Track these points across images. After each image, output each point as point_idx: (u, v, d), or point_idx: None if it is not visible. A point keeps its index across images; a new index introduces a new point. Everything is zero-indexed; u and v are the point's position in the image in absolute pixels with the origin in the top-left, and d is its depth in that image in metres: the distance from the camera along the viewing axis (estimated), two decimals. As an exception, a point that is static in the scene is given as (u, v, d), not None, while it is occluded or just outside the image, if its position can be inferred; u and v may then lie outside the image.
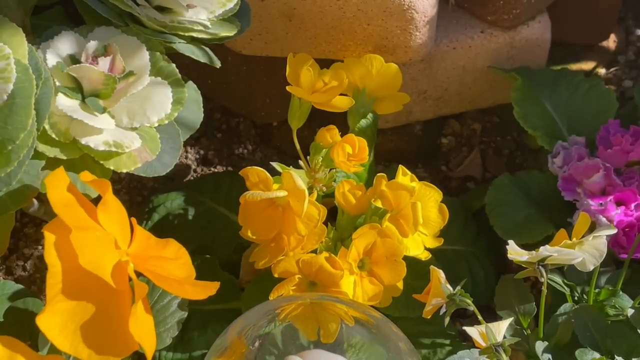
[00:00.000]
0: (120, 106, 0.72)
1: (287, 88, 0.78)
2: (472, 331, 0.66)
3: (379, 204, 0.74)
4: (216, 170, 1.00)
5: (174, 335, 0.72)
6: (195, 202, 0.90)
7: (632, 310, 0.73)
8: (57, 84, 0.70)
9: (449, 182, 1.01)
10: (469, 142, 1.03)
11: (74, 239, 0.53)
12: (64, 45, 0.72)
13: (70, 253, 0.53)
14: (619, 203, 0.82)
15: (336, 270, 0.71)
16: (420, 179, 0.81)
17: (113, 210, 0.57)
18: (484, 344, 0.65)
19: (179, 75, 0.75)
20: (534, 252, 0.68)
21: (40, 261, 0.91)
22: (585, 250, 0.68)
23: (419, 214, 0.74)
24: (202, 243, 0.87)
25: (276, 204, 0.73)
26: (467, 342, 0.79)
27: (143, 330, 0.55)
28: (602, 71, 1.09)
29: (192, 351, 0.80)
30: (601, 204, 0.81)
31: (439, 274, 0.68)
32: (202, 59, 0.76)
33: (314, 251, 0.73)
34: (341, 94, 0.80)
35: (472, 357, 0.73)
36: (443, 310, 0.67)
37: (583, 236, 0.70)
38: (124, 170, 0.71)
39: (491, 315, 0.79)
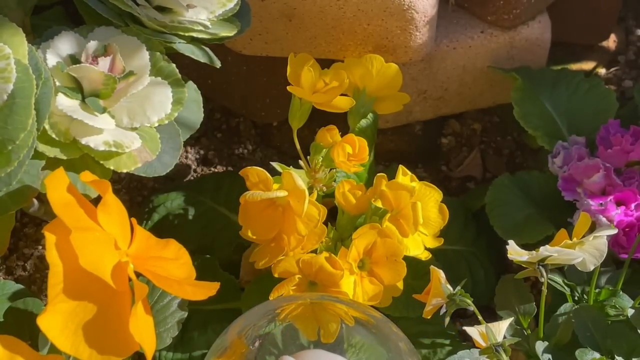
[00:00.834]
0: (120, 106, 0.72)
1: (288, 88, 0.78)
2: (472, 331, 0.66)
3: (379, 204, 0.74)
4: (216, 170, 1.00)
5: (174, 335, 0.72)
6: (195, 202, 0.90)
7: (633, 310, 0.73)
8: (57, 84, 0.70)
9: (449, 182, 1.01)
10: (469, 142, 1.03)
11: (73, 240, 0.53)
12: (64, 45, 0.72)
13: (71, 253, 0.53)
14: (619, 203, 0.82)
15: (336, 270, 0.71)
16: (421, 179, 0.81)
17: (113, 210, 0.57)
18: (484, 344, 0.65)
19: (179, 75, 0.75)
20: (534, 252, 0.68)
21: (41, 261, 0.91)
22: (586, 250, 0.68)
23: (419, 214, 0.74)
24: (202, 243, 0.87)
25: (276, 204, 0.73)
26: (467, 342, 0.79)
27: (143, 330, 0.55)
28: (602, 71, 1.09)
29: (192, 351, 0.80)
30: (601, 204, 0.81)
31: (439, 274, 0.68)
32: (202, 59, 0.76)
33: (314, 251, 0.73)
34: (341, 94, 0.80)
35: (472, 357, 0.73)
36: (443, 310, 0.67)
37: (583, 236, 0.70)
38: (124, 170, 0.71)
39: (491, 315, 0.79)
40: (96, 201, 0.58)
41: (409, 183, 0.75)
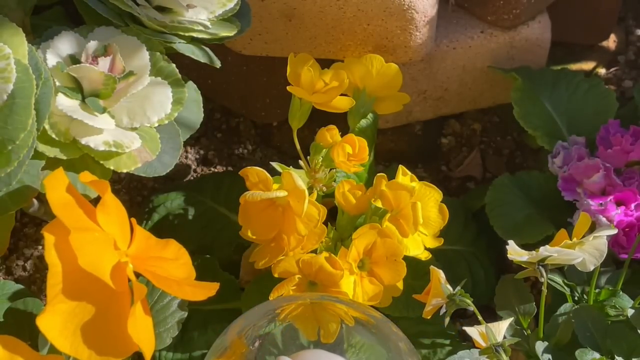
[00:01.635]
0: (120, 106, 0.72)
1: (288, 88, 0.78)
2: (472, 331, 0.66)
3: (379, 204, 0.74)
4: (216, 170, 1.00)
5: (174, 335, 0.72)
6: (195, 202, 0.90)
7: (632, 311, 0.73)
8: (57, 84, 0.70)
9: (449, 182, 1.01)
10: (469, 142, 1.03)
11: (73, 240, 0.53)
12: (64, 45, 0.72)
13: (71, 254, 0.53)
14: (619, 203, 0.82)
15: (336, 270, 0.71)
16: (420, 179, 0.81)
17: (112, 210, 0.57)
18: (484, 344, 0.65)
19: (179, 75, 0.75)
20: (534, 252, 0.68)
21: (40, 261, 0.91)
22: (586, 250, 0.68)
23: (419, 214, 0.74)
24: (202, 243, 0.87)
25: (276, 204, 0.73)
26: (467, 342, 0.79)
27: (141, 331, 0.55)
28: (602, 71, 1.09)
29: (192, 351, 0.80)
30: (601, 204, 0.81)
31: (439, 274, 0.68)
32: (202, 59, 0.76)
33: (314, 251, 0.73)
34: (341, 94, 0.80)
35: (472, 357, 0.73)
36: (443, 310, 0.67)
37: (583, 236, 0.70)
38: (124, 170, 0.71)
39: (491, 315, 0.79)
40: (96, 201, 0.58)
41: (409, 183, 0.75)
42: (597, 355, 0.71)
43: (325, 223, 0.73)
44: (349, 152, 0.76)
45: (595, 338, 0.72)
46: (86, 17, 0.76)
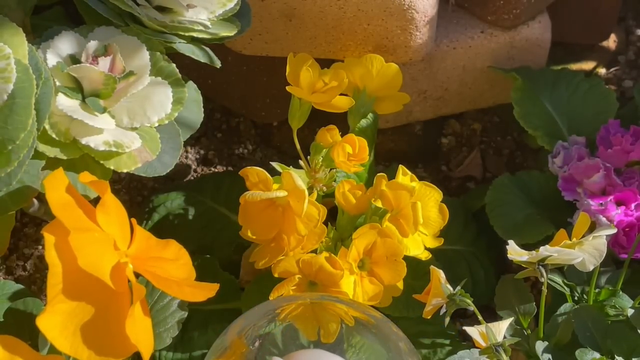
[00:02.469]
0: (121, 106, 0.72)
1: (287, 88, 0.78)
2: (472, 331, 0.66)
3: (379, 203, 0.74)
4: (216, 170, 1.00)
5: (174, 335, 0.72)
6: (195, 202, 0.90)
7: (632, 310, 0.73)
8: (57, 84, 0.70)
9: (449, 182, 1.01)
10: (469, 142, 1.03)
11: (72, 241, 0.52)
12: (64, 45, 0.72)
13: (71, 254, 0.53)
14: (619, 203, 0.82)
15: (336, 270, 0.71)
16: (421, 179, 0.81)
17: (112, 211, 0.57)
18: (484, 344, 0.65)
19: (179, 75, 0.75)
20: (534, 252, 0.68)
21: (40, 261, 0.91)
22: (585, 250, 0.68)
23: (419, 214, 0.74)
24: (202, 243, 0.87)
25: (276, 204, 0.73)
26: (467, 342, 0.79)
27: (140, 331, 0.55)
28: (602, 71, 1.09)
29: (192, 351, 0.80)
30: (601, 204, 0.81)
31: (439, 274, 0.68)
32: (202, 59, 0.76)
33: (314, 251, 0.73)
34: (341, 94, 0.80)
35: (472, 357, 0.73)
36: (443, 310, 0.67)
37: (583, 236, 0.70)
38: (124, 170, 0.71)
39: (491, 315, 0.79)
40: (96, 201, 0.58)
41: (409, 183, 0.75)
42: (597, 355, 0.71)
43: (325, 223, 0.73)
44: (349, 152, 0.76)
45: (595, 338, 0.72)
46: (86, 17, 0.76)
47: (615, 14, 1.09)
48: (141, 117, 0.72)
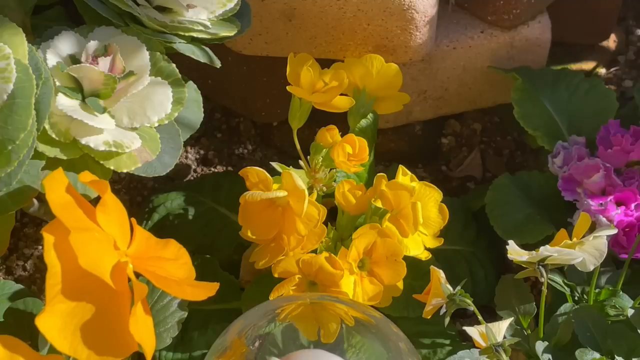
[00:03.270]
0: (121, 106, 0.72)
1: (288, 88, 0.78)
2: (472, 331, 0.66)
3: (379, 203, 0.74)
4: (216, 170, 1.00)
5: (174, 335, 0.72)
6: (195, 202, 0.90)
7: (632, 311, 0.73)
8: (57, 84, 0.70)
9: (449, 182, 1.01)
10: (469, 142, 1.03)
11: (72, 241, 0.52)
12: (64, 45, 0.72)
13: (70, 254, 0.53)
14: (619, 203, 0.82)
15: (336, 270, 0.71)
16: (421, 179, 0.81)
17: (112, 210, 0.57)
18: (484, 344, 0.65)
19: (179, 75, 0.75)
20: (534, 252, 0.68)
21: (41, 261, 0.91)
22: (586, 250, 0.68)
23: (419, 214, 0.74)
24: (202, 243, 0.87)
25: (276, 204, 0.73)
26: (467, 342, 0.79)
27: (142, 330, 0.55)
28: (602, 71, 1.09)
29: (192, 351, 0.80)
30: (601, 204, 0.81)
31: (439, 274, 0.68)
32: (202, 59, 0.76)
33: (314, 251, 0.73)
34: (341, 94, 0.80)
35: (472, 357, 0.73)
36: (443, 310, 0.67)
37: (583, 236, 0.70)
38: (124, 170, 0.71)
39: (491, 315, 0.79)
40: (96, 201, 0.58)
41: (409, 183, 0.75)
42: (597, 355, 0.71)
43: (325, 223, 0.73)
44: (349, 152, 0.76)
45: (595, 338, 0.72)
46: (86, 17, 0.76)
47: (615, 14, 1.09)
48: (141, 117, 0.72)
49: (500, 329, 0.66)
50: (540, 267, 0.68)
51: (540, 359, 0.72)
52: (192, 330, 0.80)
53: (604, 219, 0.80)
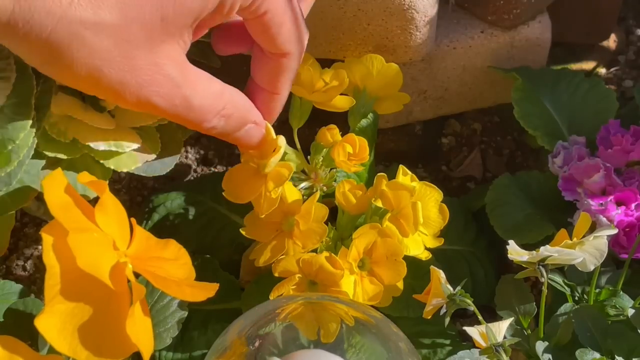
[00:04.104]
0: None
1: (288, 88, 0.78)
2: (473, 331, 0.66)
3: (379, 203, 0.74)
4: (216, 170, 1.00)
5: (174, 335, 0.72)
6: (195, 202, 0.90)
7: (633, 311, 0.73)
8: (57, 83, 0.70)
9: (449, 182, 1.01)
10: (470, 142, 1.03)
11: (71, 241, 0.52)
12: (64, 45, 0.71)
13: (69, 254, 0.53)
14: (619, 203, 0.82)
15: (336, 269, 0.71)
16: (421, 178, 0.81)
17: (111, 211, 0.57)
18: (484, 344, 0.65)
19: (179, 75, 0.75)
20: (534, 252, 0.68)
21: (40, 261, 0.91)
22: (586, 250, 0.68)
23: (419, 214, 0.74)
24: (202, 243, 0.87)
25: (260, 173, 0.73)
26: (468, 342, 0.79)
27: (140, 331, 0.55)
28: (602, 71, 1.09)
29: (192, 351, 0.80)
30: (601, 204, 0.81)
31: (439, 274, 0.68)
32: (201, 58, 0.76)
33: (315, 251, 0.73)
34: (341, 94, 0.80)
35: (473, 357, 0.73)
36: (443, 310, 0.67)
37: (584, 236, 0.70)
38: (124, 170, 0.71)
39: (491, 315, 0.79)
40: (96, 201, 0.58)
41: (409, 183, 0.75)
42: (597, 355, 0.71)
43: (325, 223, 0.73)
44: (350, 151, 0.76)
45: (595, 338, 0.72)
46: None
47: (616, 13, 1.09)
48: (141, 116, 0.72)
49: (501, 329, 0.66)
50: (541, 267, 0.68)
51: (540, 359, 0.72)
52: (192, 330, 0.80)
53: (604, 219, 0.80)
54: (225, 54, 0.69)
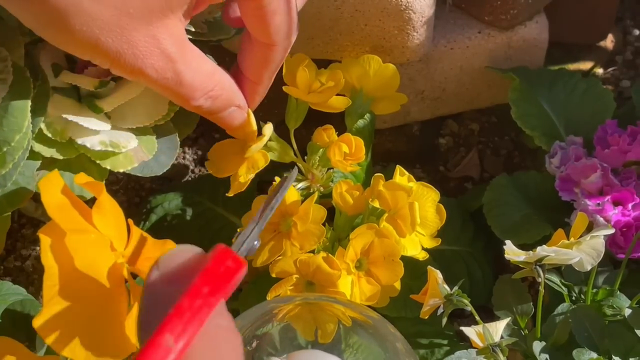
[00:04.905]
0: (117, 106, 0.72)
1: (284, 88, 0.78)
2: (470, 331, 0.66)
3: (376, 204, 0.74)
4: (214, 170, 1.00)
5: (172, 336, 0.72)
6: (193, 203, 0.90)
7: (630, 310, 0.73)
8: (54, 85, 0.70)
9: (446, 182, 1.01)
10: (467, 143, 1.03)
11: (68, 242, 0.52)
12: (61, 46, 0.71)
13: (67, 255, 0.53)
14: (616, 203, 0.82)
15: (334, 270, 0.71)
16: (418, 179, 0.81)
17: (108, 211, 0.57)
18: (481, 344, 0.65)
19: (177, 76, 0.75)
20: (531, 252, 0.68)
21: (38, 262, 0.91)
22: (583, 250, 0.68)
23: (416, 214, 0.74)
24: (200, 243, 0.87)
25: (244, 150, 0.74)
26: (465, 342, 0.79)
27: (140, 331, 0.55)
28: (599, 71, 1.09)
29: (191, 352, 0.79)
30: (599, 204, 0.81)
31: (436, 274, 0.68)
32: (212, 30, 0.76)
33: (312, 251, 0.73)
34: (338, 94, 0.80)
35: (470, 358, 0.73)
36: (440, 310, 0.67)
37: (581, 236, 0.70)
38: (121, 170, 0.71)
39: (489, 316, 0.79)
40: (93, 202, 0.58)
41: (407, 183, 0.75)
42: (594, 355, 0.71)
43: (322, 223, 0.73)
44: (346, 151, 0.76)
45: (592, 338, 0.72)
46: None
47: (613, 14, 1.09)
48: (137, 118, 0.72)
49: (498, 329, 0.66)
50: (538, 267, 0.68)
51: (537, 359, 0.72)
52: (190, 330, 0.80)
53: (602, 219, 0.80)
54: (235, 27, 0.70)
